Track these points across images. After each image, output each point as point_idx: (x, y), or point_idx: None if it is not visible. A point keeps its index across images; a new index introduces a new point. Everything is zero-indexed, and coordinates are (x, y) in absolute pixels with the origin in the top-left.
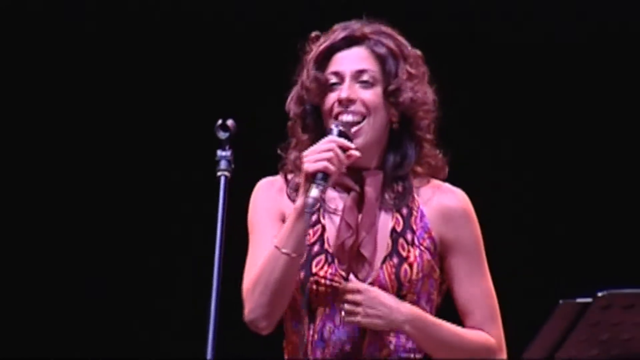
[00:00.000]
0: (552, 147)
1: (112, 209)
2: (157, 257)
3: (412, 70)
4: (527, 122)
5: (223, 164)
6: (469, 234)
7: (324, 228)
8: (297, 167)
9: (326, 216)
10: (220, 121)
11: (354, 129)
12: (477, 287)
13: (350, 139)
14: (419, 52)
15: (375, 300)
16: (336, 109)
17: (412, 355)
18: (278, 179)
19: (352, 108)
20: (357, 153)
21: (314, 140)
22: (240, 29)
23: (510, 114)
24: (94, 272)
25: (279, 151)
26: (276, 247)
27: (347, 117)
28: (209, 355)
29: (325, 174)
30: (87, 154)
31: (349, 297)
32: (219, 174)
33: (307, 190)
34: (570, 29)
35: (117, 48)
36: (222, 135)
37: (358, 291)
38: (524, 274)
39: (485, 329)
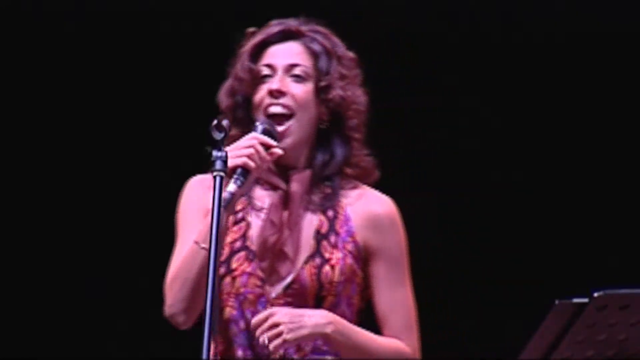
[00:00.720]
0: (550, 145)
1: (112, 209)
2: (158, 257)
3: (345, 71)
4: (527, 120)
5: (218, 164)
6: (394, 242)
7: (248, 225)
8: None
9: (252, 213)
10: (215, 121)
11: (281, 128)
12: (396, 295)
13: (274, 137)
14: (353, 55)
15: (290, 314)
16: (266, 100)
17: (326, 357)
18: (208, 177)
19: (282, 100)
20: (279, 151)
21: (243, 134)
22: (227, 29)
23: (502, 111)
24: (94, 272)
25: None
26: (195, 242)
27: (275, 109)
28: (204, 355)
29: (245, 170)
30: (87, 154)
31: (265, 325)
32: (214, 174)
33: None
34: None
35: (114, 48)
36: (217, 135)
37: (270, 315)
38: (519, 275)
39: (401, 338)
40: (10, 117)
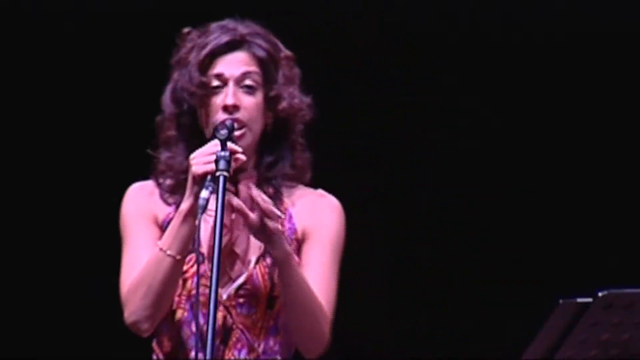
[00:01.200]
0: (551, 145)
1: (112, 208)
2: None
3: (287, 73)
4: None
5: (222, 164)
6: (329, 226)
7: (197, 228)
8: (170, 167)
9: (200, 217)
10: (219, 121)
11: (236, 134)
12: (322, 278)
13: (234, 142)
14: (291, 53)
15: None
16: (221, 116)
17: (277, 357)
18: (148, 183)
19: (236, 115)
20: (243, 157)
21: (187, 141)
22: None
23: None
24: (94, 272)
25: (149, 151)
26: (160, 249)
27: (221, 134)
28: (208, 355)
29: (214, 176)
30: (87, 154)
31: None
32: (217, 173)
33: (195, 193)
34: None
35: (113, 48)
36: (221, 135)
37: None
38: (519, 274)
39: None
40: (10, 117)
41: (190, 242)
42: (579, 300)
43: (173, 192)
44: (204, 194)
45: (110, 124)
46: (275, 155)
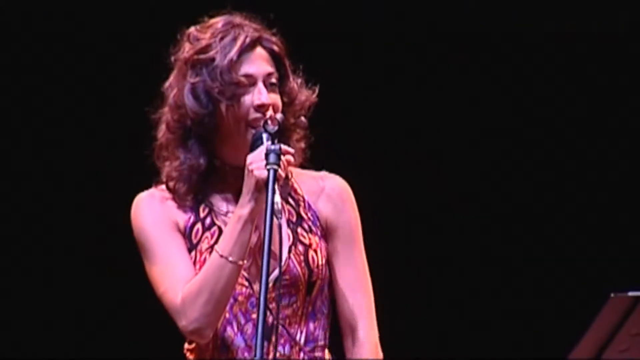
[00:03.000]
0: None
1: (113, 209)
2: None
3: (288, 64)
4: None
5: (272, 158)
6: (349, 218)
7: (220, 229)
8: (186, 170)
9: (219, 218)
10: (268, 115)
11: (269, 125)
12: (356, 274)
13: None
14: (283, 42)
15: None
16: (253, 114)
17: (319, 342)
18: (154, 192)
19: (268, 114)
20: (291, 158)
21: (203, 142)
22: None
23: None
24: (94, 272)
25: (155, 160)
26: (221, 255)
27: (271, 128)
28: (258, 354)
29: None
30: (88, 154)
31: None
32: (268, 167)
33: (256, 198)
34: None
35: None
36: (271, 129)
37: None
38: (572, 269)
39: (360, 320)
40: (10, 117)
41: (248, 247)
42: (631, 294)
43: (189, 196)
44: (277, 198)
45: (111, 124)
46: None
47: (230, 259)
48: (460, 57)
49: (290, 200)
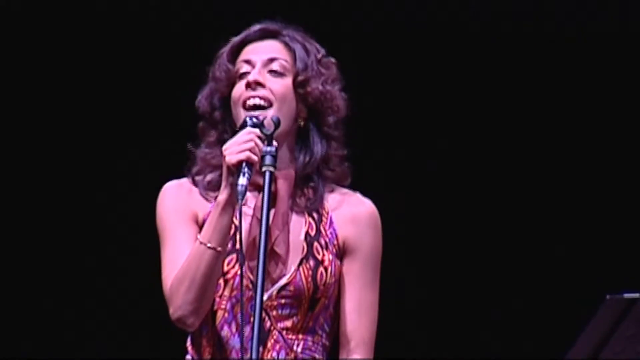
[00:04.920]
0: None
1: (113, 209)
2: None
3: (324, 70)
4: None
5: (268, 159)
6: (371, 241)
7: (236, 227)
8: (207, 163)
9: (241, 216)
10: (265, 117)
11: (259, 115)
12: (366, 298)
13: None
14: (333, 59)
15: None
16: (244, 94)
17: (315, 355)
18: (185, 182)
19: (260, 92)
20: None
21: (221, 135)
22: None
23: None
24: (95, 272)
25: (189, 150)
26: (201, 242)
27: (253, 101)
28: (254, 355)
29: (249, 164)
30: (87, 154)
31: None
32: (263, 169)
33: (231, 183)
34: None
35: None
36: (267, 130)
37: None
38: (564, 272)
39: (357, 351)
40: (10, 117)
41: (229, 233)
42: (626, 295)
43: (213, 188)
44: (242, 180)
45: (111, 124)
46: (309, 151)
47: (209, 245)
48: (461, 57)
49: (315, 213)
